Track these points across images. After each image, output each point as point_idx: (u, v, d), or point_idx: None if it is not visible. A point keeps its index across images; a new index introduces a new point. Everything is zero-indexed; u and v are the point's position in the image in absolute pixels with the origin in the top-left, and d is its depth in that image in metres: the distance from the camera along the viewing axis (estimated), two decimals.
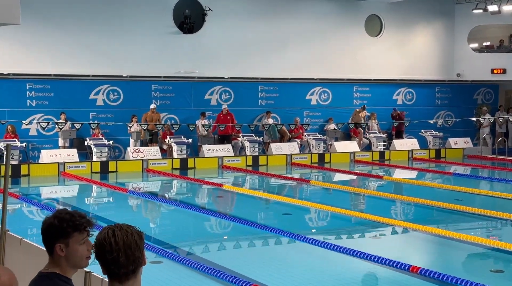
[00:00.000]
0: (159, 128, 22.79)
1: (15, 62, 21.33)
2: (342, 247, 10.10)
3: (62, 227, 3.18)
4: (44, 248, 3.33)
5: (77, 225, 3.20)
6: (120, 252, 2.88)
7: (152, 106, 22.91)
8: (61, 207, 14.98)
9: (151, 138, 22.99)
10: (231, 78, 24.75)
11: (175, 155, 22.22)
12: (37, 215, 14.46)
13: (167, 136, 22.67)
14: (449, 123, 26.78)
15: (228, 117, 23.80)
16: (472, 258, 10.74)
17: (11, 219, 13.32)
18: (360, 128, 25.87)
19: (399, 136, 26.82)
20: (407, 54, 27.89)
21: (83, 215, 3.26)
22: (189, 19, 23.57)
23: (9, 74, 21.42)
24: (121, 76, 23.08)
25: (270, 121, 24.68)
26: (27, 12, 19.72)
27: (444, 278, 8.31)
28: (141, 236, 2.98)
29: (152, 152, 22.02)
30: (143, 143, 22.96)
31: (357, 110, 26.40)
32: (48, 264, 3.24)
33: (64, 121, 21.49)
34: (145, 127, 22.54)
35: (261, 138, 24.10)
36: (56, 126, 21.47)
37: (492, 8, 26.56)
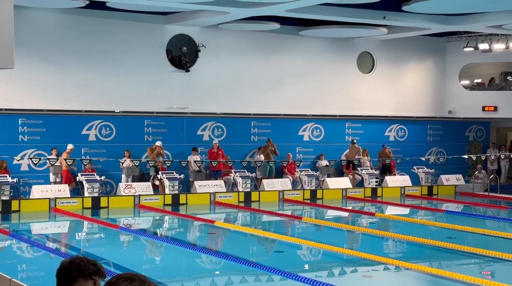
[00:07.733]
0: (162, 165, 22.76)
1: (8, 97, 21.30)
2: (334, 285, 10.03)
3: (70, 269, 3.26)
4: None
5: (82, 270, 3.25)
6: None
7: (158, 143, 22.83)
8: (51, 244, 14.90)
9: (155, 174, 22.83)
10: (223, 113, 24.80)
11: (167, 191, 22.15)
12: (26, 252, 14.34)
13: (159, 172, 22.63)
14: (441, 160, 26.85)
15: (220, 152, 23.81)
16: None
17: (1, 257, 13.19)
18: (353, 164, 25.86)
19: (390, 172, 26.70)
20: (399, 91, 28.04)
21: (96, 264, 3.31)
22: (185, 56, 23.68)
23: (1, 109, 21.39)
24: (113, 112, 23.09)
25: (262, 157, 24.66)
26: (20, 49, 19.82)
27: None
28: None
29: (143, 188, 21.95)
30: (139, 179, 22.83)
31: (350, 145, 26.41)
32: None
33: (55, 157, 21.42)
34: (152, 164, 22.51)
35: (253, 174, 24.07)
36: (48, 161, 21.40)
37: (483, 46, 26.84)
